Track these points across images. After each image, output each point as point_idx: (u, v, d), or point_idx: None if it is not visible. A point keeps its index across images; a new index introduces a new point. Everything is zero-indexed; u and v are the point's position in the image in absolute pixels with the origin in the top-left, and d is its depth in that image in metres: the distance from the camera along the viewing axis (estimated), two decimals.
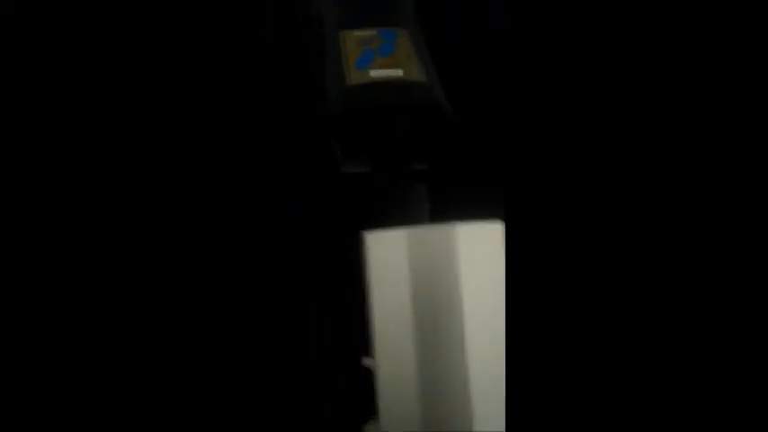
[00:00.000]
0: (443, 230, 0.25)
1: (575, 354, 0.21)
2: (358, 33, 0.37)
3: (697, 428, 0.20)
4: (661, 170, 0.21)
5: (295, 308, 0.39)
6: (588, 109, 0.22)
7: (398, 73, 0.35)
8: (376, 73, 0.35)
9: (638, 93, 0.22)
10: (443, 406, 0.23)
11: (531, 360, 0.20)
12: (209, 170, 0.32)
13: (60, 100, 0.31)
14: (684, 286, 0.21)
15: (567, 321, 0.21)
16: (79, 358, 0.29)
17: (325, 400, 0.37)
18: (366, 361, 0.25)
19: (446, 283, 0.24)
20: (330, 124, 0.34)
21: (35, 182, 0.30)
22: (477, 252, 0.25)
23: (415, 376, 0.23)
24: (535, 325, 0.21)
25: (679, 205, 0.21)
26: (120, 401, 0.29)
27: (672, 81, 0.22)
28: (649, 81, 0.22)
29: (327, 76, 0.36)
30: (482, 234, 0.25)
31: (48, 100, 0.31)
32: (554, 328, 0.21)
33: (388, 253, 0.25)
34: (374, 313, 0.25)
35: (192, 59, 0.32)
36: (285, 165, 0.41)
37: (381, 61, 0.36)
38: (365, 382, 0.25)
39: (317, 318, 0.39)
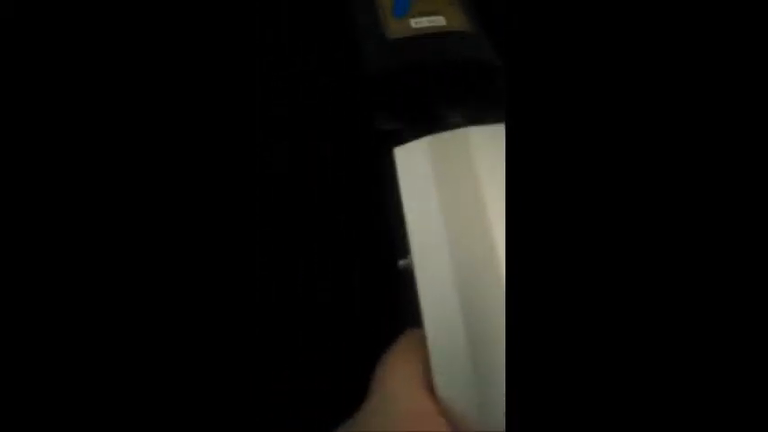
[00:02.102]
0: (460, 135, 0.27)
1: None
2: None
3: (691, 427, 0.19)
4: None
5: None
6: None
7: (441, 21, 0.32)
8: (417, 22, 0.31)
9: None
10: (481, 299, 0.24)
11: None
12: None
13: (58, 97, 0.31)
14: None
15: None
16: (79, 357, 0.29)
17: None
18: (402, 263, 0.27)
19: (469, 183, 0.26)
20: (370, 85, 0.31)
21: (33, 180, 0.30)
22: (492, 152, 0.26)
23: (450, 275, 0.25)
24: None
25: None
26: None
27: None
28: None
29: (359, 22, 0.33)
30: (495, 135, 0.27)
31: (47, 99, 0.31)
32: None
33: (414, 161, 0.27)
34: (408, 220, 0.27)
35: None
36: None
37: (420, 6, 0.32)
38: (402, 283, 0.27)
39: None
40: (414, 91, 0.31)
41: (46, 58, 0.32)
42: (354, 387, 0.26)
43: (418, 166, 0.27)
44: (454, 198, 0.26)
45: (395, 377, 0.24)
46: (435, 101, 0.32)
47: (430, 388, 0.24)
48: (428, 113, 0.33)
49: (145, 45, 0.31)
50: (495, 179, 0.26)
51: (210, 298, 0.31)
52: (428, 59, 0.30)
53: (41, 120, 0.31)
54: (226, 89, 0.32)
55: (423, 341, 0.25)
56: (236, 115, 0.33)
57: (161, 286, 0.30)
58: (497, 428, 0.23)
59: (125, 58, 0.31)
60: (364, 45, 0.32)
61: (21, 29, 0.31)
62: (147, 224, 0.30)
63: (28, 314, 0.29)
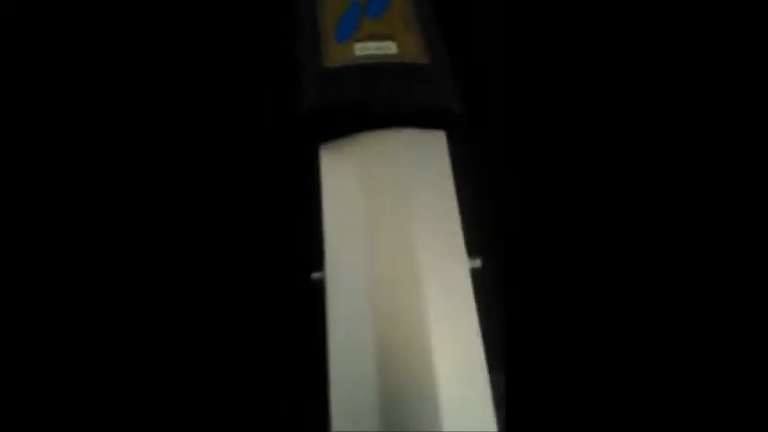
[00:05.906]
0: (391, 136, 0.25)
1: None
2: None
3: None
4: None
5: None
6: None
7: (392, 49, 0.26)
8: (362, 48, 0.26)
9: None
10: (398, 336, 0.21)
11: None
12: None
13: (58, 95, 0.31)
14: None
15: None
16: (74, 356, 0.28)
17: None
18: (315, 275, 0.23)
19: (396, 187, 0.24)
20: (299, 124, 0.26)
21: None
22: (422, 156, 0.25)
23: (365, 299, 0.22)
24: None
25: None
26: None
27: None
28: None
29: (300, 44, 0.27)
30: (427, 139, 0.25)
31: (47, 97, 0.32)
32: None
33: (341, 161, 0.25)
34: (326, 227, 0.24)
35: None
36: None
37: (370, 25, 0.27)
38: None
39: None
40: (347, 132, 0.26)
41: (46, 55, 0.32)
42: None
43: (344, 168, 0.24)
44: (381, 202, 0.23)
45: None
46: None
47: None
48: None
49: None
50: (424, 187, 0.24)
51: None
52: (361, 98, 0.25)
53: (41, 117, 0.31)
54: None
55: None
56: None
57: None
58: None
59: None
60: (301, 73, 0.27)
61: (21, 25, 0.32)
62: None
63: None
